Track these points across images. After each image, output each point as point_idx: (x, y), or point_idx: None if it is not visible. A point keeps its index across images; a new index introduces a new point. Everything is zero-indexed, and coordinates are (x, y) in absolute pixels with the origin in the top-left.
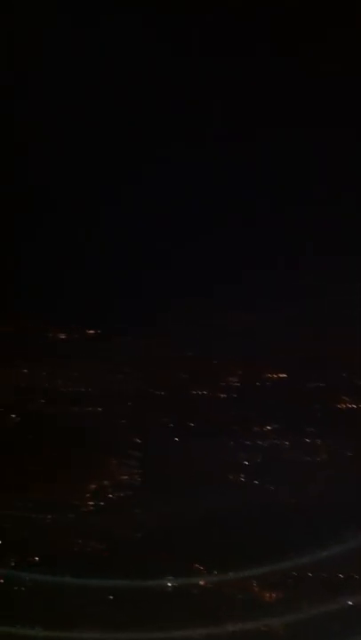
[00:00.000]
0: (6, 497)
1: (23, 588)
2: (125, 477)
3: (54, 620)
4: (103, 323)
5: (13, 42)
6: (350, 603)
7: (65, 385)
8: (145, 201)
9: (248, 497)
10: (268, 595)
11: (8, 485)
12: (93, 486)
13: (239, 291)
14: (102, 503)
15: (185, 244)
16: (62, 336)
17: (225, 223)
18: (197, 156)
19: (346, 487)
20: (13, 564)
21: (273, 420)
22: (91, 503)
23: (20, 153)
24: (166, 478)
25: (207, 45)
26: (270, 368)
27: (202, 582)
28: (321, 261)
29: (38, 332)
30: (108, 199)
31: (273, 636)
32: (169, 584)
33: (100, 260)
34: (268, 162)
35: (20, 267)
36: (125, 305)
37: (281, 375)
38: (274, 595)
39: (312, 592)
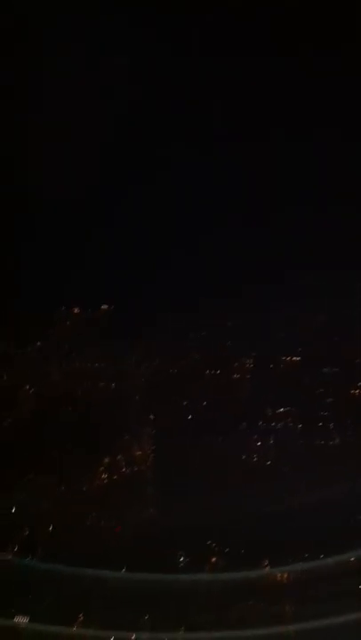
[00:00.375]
0: (22, 467)
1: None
2: (139, 453)
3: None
4: (118, 301)
5: (13, 42)
6: None
7: (80, 361)
8: (145, 201)
9: (259, 478)
10: (279, 576)
11: (23, 457)
12: (107, 460)
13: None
14: (115, 477)
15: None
16: (76, 310)
17: (225, 223)
18: (197, 156)
19: (358, 471)
20: (27, 533)
21: (286, 403)
22: (104, 476)
23: (21, 153)
24: (179, 456)
25: (207, 45)
26: (285, 351)
27: (213, 559)
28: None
29: (52, 309)
30: (108, 199)
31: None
32: (181, 559)
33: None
34: (269, 162)
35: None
36: (139, 284)
37: (295, 358)
38: (285, 576)
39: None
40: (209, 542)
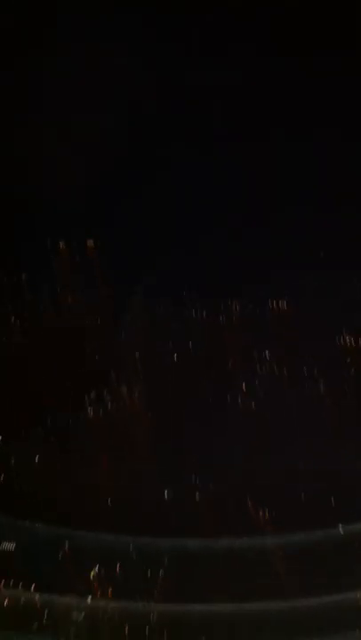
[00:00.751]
0: (9, 400)
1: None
2: (124, 389)
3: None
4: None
5: (14, 42)
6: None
7: (67, 299)
8: (145, 200)
9: (245, 420)
10: (261, 513)
11: (10, 391)
12: (94, 396)
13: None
14: (101, 411)
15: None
16: (62, 245)
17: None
18: (197, 156)
19: (342, 417)
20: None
21: (272, 348)
22: (90, 408)
23: (19, 153)
24: (165, 394)
25: (207, 45)
26: (271, 298)
27: (198, 495)
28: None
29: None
30: (108, 198)
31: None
32: (165, 492)
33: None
34: (269, 162)
35: None
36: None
37: (281, 304)
38: (268, 514)
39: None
40: (193, 478)
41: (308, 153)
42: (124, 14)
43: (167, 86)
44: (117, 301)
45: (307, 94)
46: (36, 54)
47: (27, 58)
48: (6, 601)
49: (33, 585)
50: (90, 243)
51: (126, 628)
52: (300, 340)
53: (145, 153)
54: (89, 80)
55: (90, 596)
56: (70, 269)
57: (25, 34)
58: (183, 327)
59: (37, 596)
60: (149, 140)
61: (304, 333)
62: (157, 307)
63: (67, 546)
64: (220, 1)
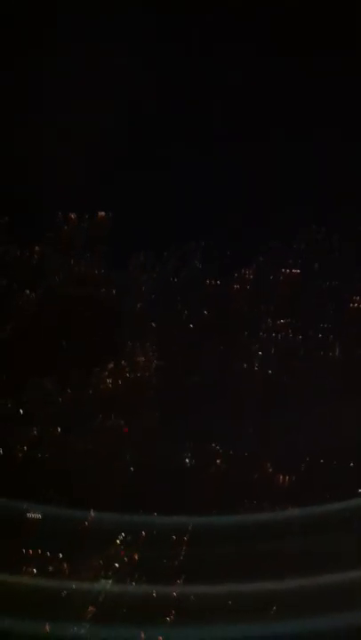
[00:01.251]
0: (26, 374)
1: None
2: (142, 359)
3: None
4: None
5: (14, 42)
6: None
7: (79, 267)
8: (145, 201)
9: (260, 385)
10: (281, 478)
11: (28, 360)
12: (111, 365)
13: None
14: (120, 382)
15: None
16: (73, 215)
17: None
18: (197, 157)
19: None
20: (35, 433)
21: (287, 315)
22: (109, 381)
23: (19, 154)
24: (181, 363)
25: (207, 45)
26: (284, 264)
27: (218, 461)
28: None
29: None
30: (108, 198)
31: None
32: (187, 460)
33: None
34: (269, 162)
35: None
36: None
37: (295, 271)
38: (288, 478)
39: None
40: (213, 445)
41: (308, 153)
42: (125, 14)
43: (167, 86)
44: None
45: (307, 94)
46: (36, 54)
47: (27, 57)
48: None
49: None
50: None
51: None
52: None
53: (145, 153)
54: (88, 80)
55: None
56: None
57: (25, 34)
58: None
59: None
60: (149, 140)
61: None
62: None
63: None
64: (221, 1)
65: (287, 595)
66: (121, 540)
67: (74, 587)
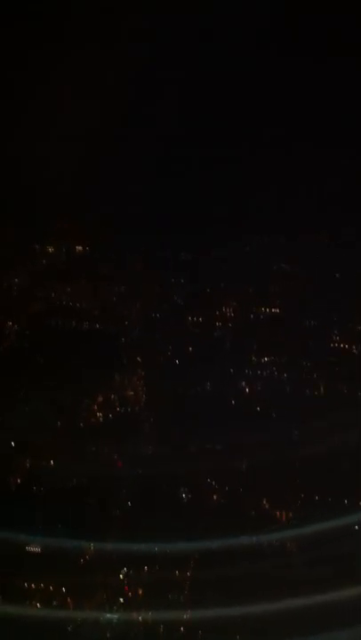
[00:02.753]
0: (8, 403)
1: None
2: (132, 393)
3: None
4: (100, 243)
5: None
6: None
7: (61, 299)
8: (145, 201)
9: (250, 423)
10: (278, 513)
11: (10, 392)
12: (101, 399)
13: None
14: (111, 415)
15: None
16: (50, 249)
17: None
18: (197, 157)
19: (342, 418)
20: (29, 466)
21: (270, 353)
22: (100, 414)
23: (17, 154)
24: (170, 398)
25: (208, 45)
26: (264, 303)
27: (215, 497)
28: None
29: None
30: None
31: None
32: (183, 495)
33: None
34: (269, 162)
35: None
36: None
37: (274, 310)
38: (286, 513)
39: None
40: (209, 480)
41: (308, 153)
42: (124, 14)
43: (167, 85)
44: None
45: (307, 95)
46: (34, 54)
47: (27, 57)
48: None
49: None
50: None
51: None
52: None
53: (145, 152)
54: (88, 80)
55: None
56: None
57: (25, 33)
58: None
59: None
60: (149, 140)
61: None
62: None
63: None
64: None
65: (297, 614)
66: (124, 572)
67: (79, 620)
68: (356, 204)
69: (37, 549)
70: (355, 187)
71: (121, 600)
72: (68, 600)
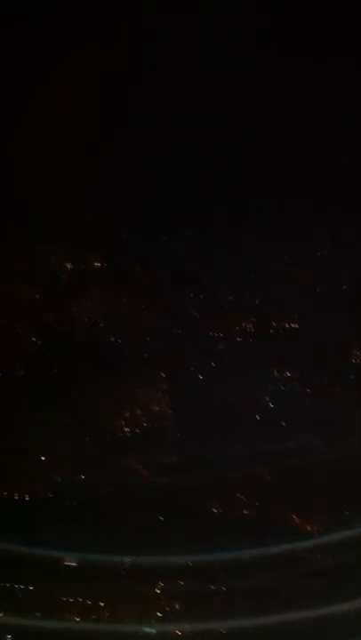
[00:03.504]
0: (34, 418)
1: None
2: (157, 409)
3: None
4: (111, 255)
5: (12, 41)
6: None
7: (80, 314)
8: (145, 202)
9: (276, 437)
10: (308, 527)
11: (36, 407)
12: (127, 414)
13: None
14: (138, 430)
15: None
16: (69, 266)
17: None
18: (197, 157)
19: None
20: (59, 480)
21: (291, 368)
22: (127, 429)
23: (16, 154)
24: (196, 413)
25: (207, 45)
26: (283, 318)
27: (245, 512)
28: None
29: (47, 261)
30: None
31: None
32: (214, 510)
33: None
34: (269, 162)
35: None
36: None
37: (293, 326)
38: (315, 526)
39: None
40: (237, 494)
41: (308, 153)
42: (124, 13)
43: (167, 85)
44: None
45: (308, 95)
46: (33, 53)
47: (27, 56)
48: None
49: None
50: None
51: None
52: None
53: (145, 152)
54: (87, 81)
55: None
56: None
57: (24, 31)
58: None
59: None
60: (149, 140)
61: None
62: None
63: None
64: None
65: (338, 621)
66: (160, 586)
67: (118, 633)
68: (356, 204)
69: (73, 563)
70: (355, 187)
71: (158, 613)
72: (106, 614)
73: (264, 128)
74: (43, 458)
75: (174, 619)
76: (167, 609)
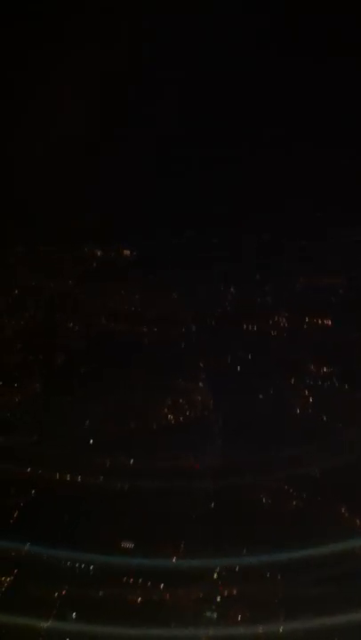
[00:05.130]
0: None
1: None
2: (199, 398)
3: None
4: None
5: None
6: None
7: (121, 305)
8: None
9: (317, 431)
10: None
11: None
12: (170, 402)
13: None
14: (181, 418)
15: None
16: (98, 253)
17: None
18: (197, 157)
19: None
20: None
21: (327, 363)
22: (170, 417)
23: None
24: (237, 403)
25: (208, 45)
26: (314, 315)
27: (294, 504)
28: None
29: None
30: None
31: None
32: (262, 498)
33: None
34: (269, 162)
35: None
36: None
37: (326, 322)
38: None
39: None
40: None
41: (309, 153)
42: (124, 13)
43: (167, 85)
44: None
45: (308, 95)
46: (33, 53)
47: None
48: None
49: None
50: None
51: None
52: None
53: (145, 152)
54: (87, 81)
55: None
56: None
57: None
58: None
59: None
60: (149, 140)
61: None
62: None
63: None
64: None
65: None
66: (217, 576)
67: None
68: (356, 204)
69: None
70: (355, 187)
71: (213, 615)
72: (158, 617)
73: (264, 128)
74: (91, 441)
75: (229, 621)
76: (220, 610)
